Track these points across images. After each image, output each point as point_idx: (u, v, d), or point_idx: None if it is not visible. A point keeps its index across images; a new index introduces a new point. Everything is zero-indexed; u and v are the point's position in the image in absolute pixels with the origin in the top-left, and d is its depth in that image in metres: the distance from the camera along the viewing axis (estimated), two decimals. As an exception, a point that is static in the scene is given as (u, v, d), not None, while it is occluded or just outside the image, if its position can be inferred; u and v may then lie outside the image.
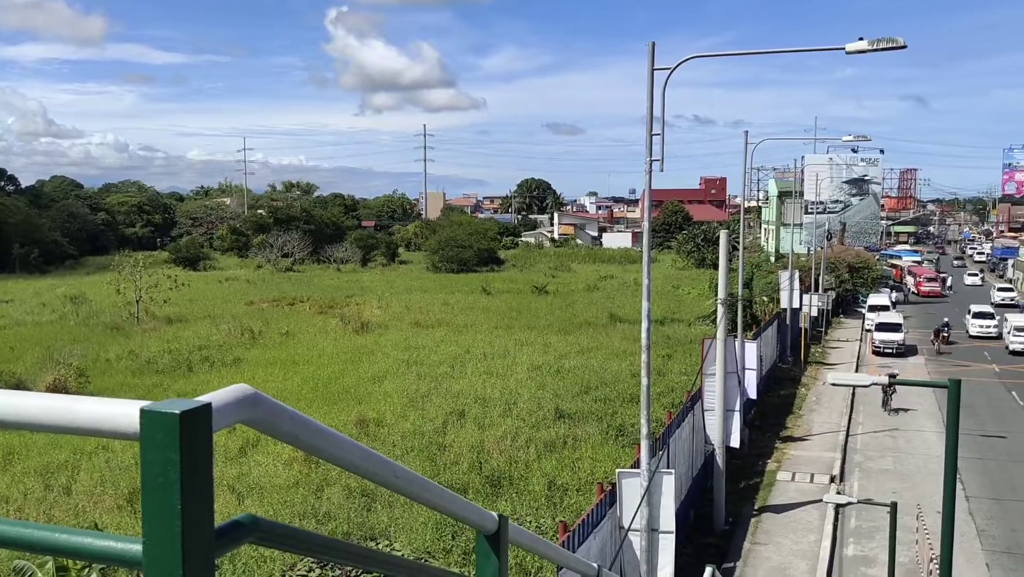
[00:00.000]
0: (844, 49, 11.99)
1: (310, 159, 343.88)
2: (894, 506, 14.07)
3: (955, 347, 45.44)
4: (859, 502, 15.73)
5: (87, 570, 4.52)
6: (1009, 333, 43.99)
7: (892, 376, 38.25)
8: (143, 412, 1.12)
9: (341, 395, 27.80)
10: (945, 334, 45.16)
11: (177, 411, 1.11)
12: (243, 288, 61.10)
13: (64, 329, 40.60)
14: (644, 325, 12.73)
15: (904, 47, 11.49)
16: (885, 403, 30.94)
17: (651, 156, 12.42)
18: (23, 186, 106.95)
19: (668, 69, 12.43)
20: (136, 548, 1.15)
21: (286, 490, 18.65)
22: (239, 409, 1.22)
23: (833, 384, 10.77)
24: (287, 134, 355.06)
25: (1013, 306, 61.82)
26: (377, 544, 15.28)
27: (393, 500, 17.97)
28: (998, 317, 49.01)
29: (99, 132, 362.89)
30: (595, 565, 3.76)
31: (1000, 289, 69.29)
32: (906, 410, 31.03)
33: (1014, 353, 42.44)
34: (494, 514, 2.33)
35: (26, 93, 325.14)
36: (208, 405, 1.14)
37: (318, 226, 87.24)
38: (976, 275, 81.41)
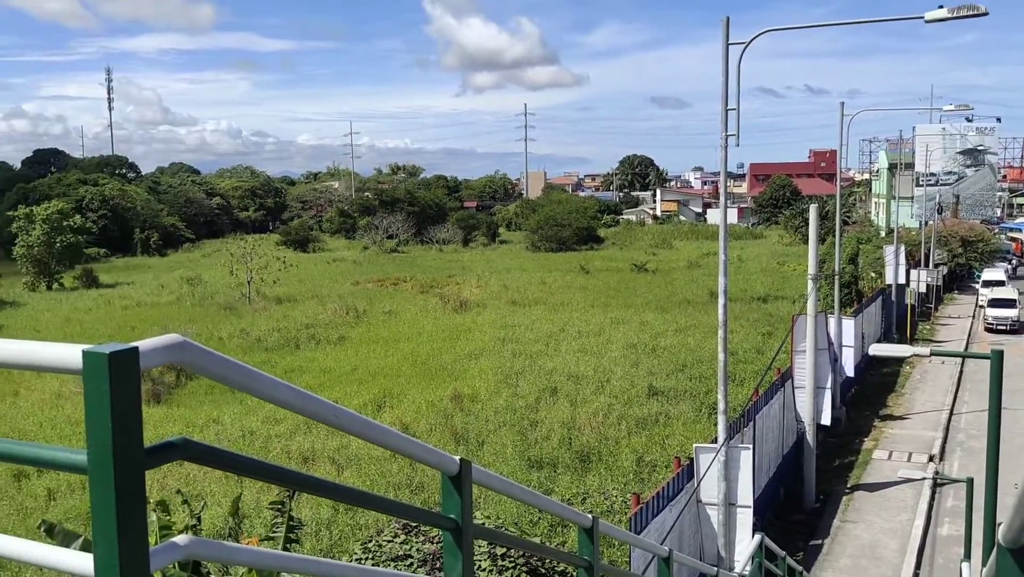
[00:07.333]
0: (923, 18, 11.73)
1: (415, 141, 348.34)
2: (970, 482, 13.78)
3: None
4: (935, 477, 15.38)
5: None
6: None
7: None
8: (84, 353, 1.47)
9: (438, 371, 28.54)
10: None
11: (107, 352, 1.45)
12: (349, 269, 62.95)
13: (181, 309, 42.81)
14: (721, 301, 12.78)
15: (986, 14, 11.14)
16: None
17: (727, 131, 12.44)
18: (143, 173, 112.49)
19: (742, 44, 12.40)
20: (82, 458, 1.51)
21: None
22: (168, 352, 1.55)
23: (873, 355, 10.67)
24: (392, 117, 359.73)
25: None
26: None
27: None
28: None
29: (213, 119, 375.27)
30: (589, 516, 4.00)
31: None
32: None
33: None
34: (456, 458, 2.65)
35: (142, 83, 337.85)
36: (135, 348, 1.48)
37: (421, 207, 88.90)
38: None
